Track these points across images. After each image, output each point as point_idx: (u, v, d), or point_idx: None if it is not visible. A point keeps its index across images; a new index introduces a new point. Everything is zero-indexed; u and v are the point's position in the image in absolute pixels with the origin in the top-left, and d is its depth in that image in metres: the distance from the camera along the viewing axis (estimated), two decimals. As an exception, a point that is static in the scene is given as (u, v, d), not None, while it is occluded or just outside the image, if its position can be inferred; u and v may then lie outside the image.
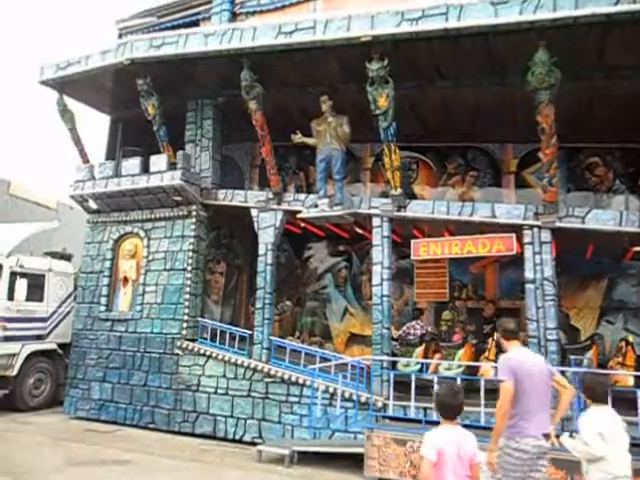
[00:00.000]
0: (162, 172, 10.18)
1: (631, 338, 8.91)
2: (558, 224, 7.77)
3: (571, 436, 4.04)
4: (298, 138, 9.39)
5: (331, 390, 8.38)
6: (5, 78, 40.98)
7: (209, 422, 9.30)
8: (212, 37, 8.95)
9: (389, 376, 8.09)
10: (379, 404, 8.01)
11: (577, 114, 8.54)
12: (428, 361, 8.77)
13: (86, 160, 11.47)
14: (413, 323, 10.19)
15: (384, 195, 9.66)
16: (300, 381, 8.70)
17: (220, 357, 9.45)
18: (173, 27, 11.70)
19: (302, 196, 9.93)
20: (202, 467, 7.63)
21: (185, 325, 9.87)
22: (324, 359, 8.98)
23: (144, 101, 10.03)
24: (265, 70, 8.84)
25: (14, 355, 10.79)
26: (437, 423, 3.64)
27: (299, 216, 9.60)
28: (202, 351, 9.62)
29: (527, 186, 10.15)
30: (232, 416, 9.14)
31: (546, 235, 7.82)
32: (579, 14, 6.62)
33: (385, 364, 8.41)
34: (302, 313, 12.28)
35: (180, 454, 8.23)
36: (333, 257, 12.46)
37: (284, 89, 9.65)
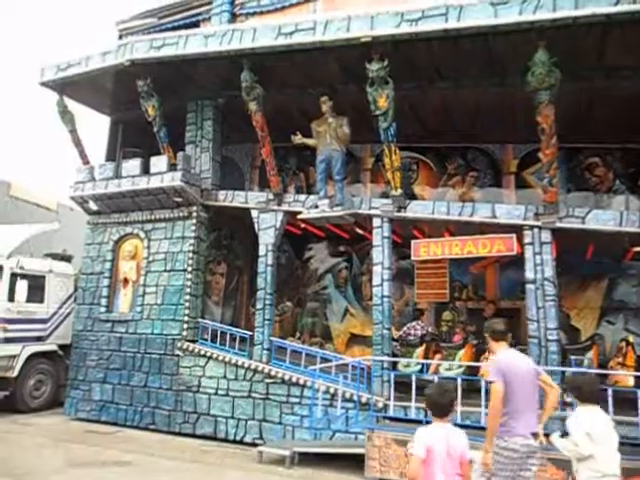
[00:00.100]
0: (162, 173, 10.19)
1: (631, 338, 8.91)
2: (558, 224, 7.77)
3: (562, 436, 4.08)
4: (298, 139, 9.39)
5: (332, 391, 8.37)
6: (5, 79, 41.03)
7: (210, 423, 9.30)
8: (212, 38, 8.96)
9: (390, 377, 8.09)
10: (380, 405, 8.01)
11: (577, 114, 8.54)
12: (429, 362, 8.77)
13: (86, 161, 11.48)
14: (413, 324, 10.18)
15: (384, 196, 9.66)
16: (301, 382, 8.70)
17: (221, 358, 9.45)
18: (173, 28, 11.72)
19: (302, 197, 9.93)
20: (203, 468, 7.63)
21: (185, 326, 9.87)
22: (325, 360, 8.97)
23: (144, 102, 10.03)
24: (265, 71, 8.84)
25: (15, 356, 10.80)
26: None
27: (299, 217, 9.60)
28: (202, 352, 9.62)
29: (527, 186, 10.14)
30: (233, 417, 9.14)
31: (546, 235, 7.81)
32: (579, 14, 6.62)
33: (386, 365, 8.40)
34: (303, 314, 12.27)
35: (181, 455, 8.23)
36: (333, 258, 12.46)
37: (284, 90, 9.66)
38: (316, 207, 9.33)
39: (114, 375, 10.33)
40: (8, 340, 10.66)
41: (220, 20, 11.65)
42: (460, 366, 8.67)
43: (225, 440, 9.07)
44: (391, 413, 7.80)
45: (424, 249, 8.79)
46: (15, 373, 10.77)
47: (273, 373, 8.97)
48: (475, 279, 11.00)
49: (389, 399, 7.91)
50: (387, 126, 8.09)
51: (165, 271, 10.29)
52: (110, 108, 11.98)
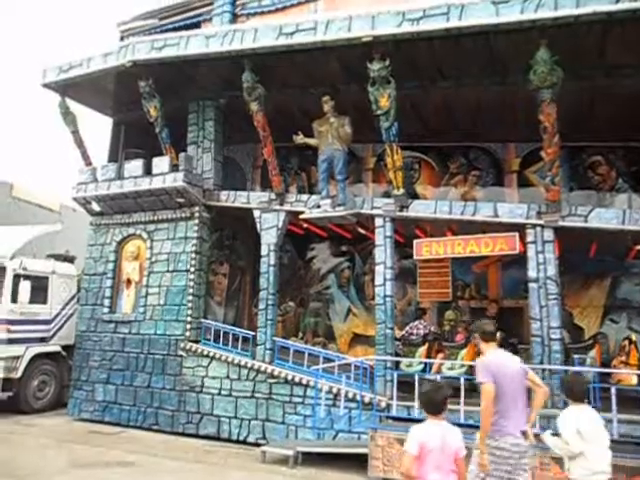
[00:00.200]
0: (164, 174, 10.20)
1: (634, 337, 8.89)
2: (561, 223, 7.75)
3: (554, 434, 4.15)
4: (300, 139, 9.40)
5: (335, 390, 8.37)
6: (7, 80, 41.11)
7: (213, 423, 9.31)
8: (213, 39, 8.97)
9: (392, 376, 8.09)
10: (383, 404, 8.00)
11: (579, 113, 8.53)
12: (431, 361, 8.77)
13: (89, 162, 11.50)
14: (416, 323, 10.18)
15: (386, 195, 9.66)
16: (304, 382, 8.70)
17: (223, 358, 9.46)
18: (174, 29, 11.74)
19: (304, 197, 9.93)
20: (206, 468, 7.64)
21: (188, 326, 9.88)
22: (327, 359, 8.98)
23: (146, 103, 10.05)
24: (266, 71, 8.85)
25: (18, 357, 10.82)
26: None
27: (301, 217, 9.60)
28: (205, 352, 9.63)
29: (529, 185, 10.14)
30: (236, 417, 9.15)
31: (549, 234, 7.80)
32: (580, 12, 6.61)
33: (388, 364, 8.40)
34: (305, 314, 12.29)
35: (184, 455, 8.24)
36: (336, 257, 12.46)
37: (285, 90, 9.66)
38: (318, 207, 9.33)
39: (117, 376, 10.34)
40: (11, 341, 10.69)
41: (221, 20, 11.66)
42: (462, 365, 8.66)
43: (228, 440, 9.08)
44: (394, 413, 7.80)
45: (426, 248, 8.79)
46: (19, 374, 10.79)
47: (276, 373, 8.97)
48: (478, 278, 10.99)
49: (392, 399, 7.91)
50: (389, 125, 8.09)
51: (168, 272, 10.31)
52: (112, 109, 12.00)
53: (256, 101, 8.96)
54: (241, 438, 9.02)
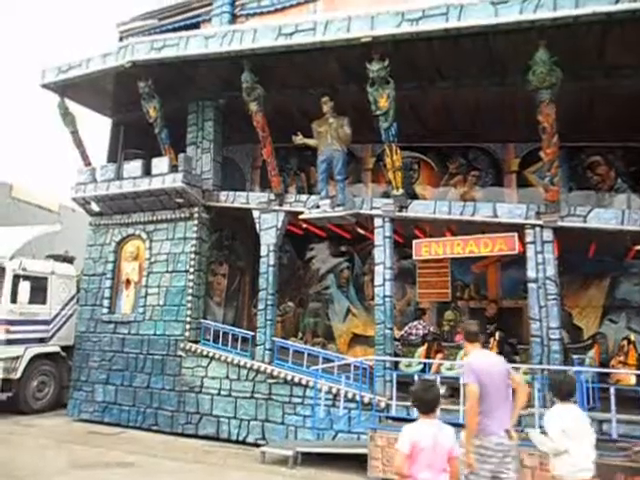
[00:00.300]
0: (164, 174, 10.20)
1: (633, 337, 8.89)
2: (560, 223, 7.76)
3: (543, 432, 4.23)
4: (299, 139, 9.40)
5: (334, 391, 8.38)
6: (7, 81, 41.10)
7: (212, 424, 9.31)
8: (213, 39, 8.97)
9: (392, 376, 8.09)
10: (382, 404, 8.01)
11: (578, 113, 8.53)
12: (430, 361, 8.76)
13: (88, 163, 11.50)
14: (415, 323, 10.17)
15: (385, 195, 9.66)
16: (303, 382, 8.70)
17: (223, 358, 9.46)
18: (174, 29, 11.74)
19: (304, 197, 9.94)
20: (205, 469, 7.65)
21: (188, 327, 9.89)
22: (327, 360, 8.98)
23: (145, 104, 10.05)
24: (266, 72, 8.85)
25: (17, 358, 10.82)
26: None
27: (301, 217, 9.60)
28: (205, 353, 9.63)
29: (529, 185, 10.14)
30: (235, 417, 9.15)
31: (548, 234, 7.81)
32: (579, 13, 6.62)
33: (388, 364, 8.41)
34: (304, 314, 12.29)
35: (183, 456, 8.24)
36: (335, 258, 12.46)
37: (285, 90, 9.67)
38: (317, 207, 9.34)
39: (117, 376, 10.34)
40: (11, 342, 10.69)
41: (220, 21, 11.67)
42: (462, 366, 8.64)
43: (228, 440, 9.08)
44: (393, 413, 7.80)
45: (426, 249, 8.80)
46: (18, 375, 10.79)
47: (275, 373, 8.97)
48: (477, 278, 10.99)
49: (391, 399, 7.91)
50: (388, 126, 8.09)
51: (167, 272, 10.31)
52: (111, 110, 12.00)
53: (255, 101, 8.96)
54: (240, 438, 9.02)
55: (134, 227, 10.90)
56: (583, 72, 7.82)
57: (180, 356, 9.83)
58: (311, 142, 9.41)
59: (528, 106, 7.40)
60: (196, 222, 10.29)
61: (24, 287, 10.79)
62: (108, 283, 10.89)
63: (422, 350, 9.32)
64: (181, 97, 10.64)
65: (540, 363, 7.41)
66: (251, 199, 10.29)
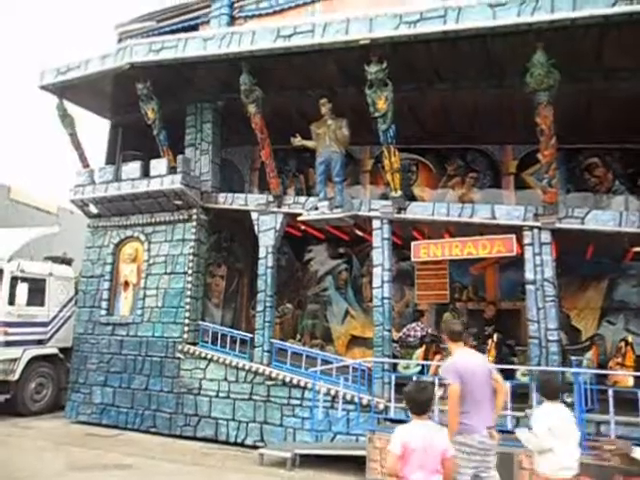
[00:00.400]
0: (162, 176, 10.20)
1: (630, 338, 8.91)
2: (558, 225, 7.77)
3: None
4: (298, 141, 9.40)
5: (333, 393, 8.37)
6: (5, 82, 41.08)
7: (211, 426, 9.30)
8: (211, 41, 8.99)
9: (390, 378, 8.09)
10: (381, 406, 8.01)
11: (576, 115, 8.55)
12: (428, 363, 8.77)
13: (86, 165, 11.49)
14: (413, 325, 10.19)
15: (384, 197, 9.67)
16: (301, 384, 8.70)
17: (221, 360, 9.45)
18: (172, 31, 11.72)
19: (302, 199, 9.94)
20: (204, 471, 7.64)
21: (186, 329, 9.88)
22: (325, 362, 8.97)
23: (144, 105, 10.05)
24: (264, 73, 8.86)
25: (15, 360, 10.80)
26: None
27: (299, 219, 9.61)
28: (203, 354, 9.63)
29: (527, 187, 10.16)
30: (234, 419, 9.14)
31: (546, 236, 7.82)
32: (577, 16, 6.64)
33: (386, 366, 8.40)
34: (303, 316, 12.29)
35: (182, 458, 8.23)
36: (333, 259, 12.46)
37: (283, 92, 9.67)
38: (316, 209, 9.34)
39: (115, 378, 10.33)
40: (9, 344, 10.68)
41: (219, 23, 11.67)
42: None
43: (226, 443, 9.07)
44: (392, 415, 7.79)
45: (424, 250, 8.80)
46: (16, 376, 10.77)
47: (274, 375, 8.97)
48: (475, 280, 11.00)
49: (390, 401, 7.90)
50: (386, 128, 8.10)
51: (165, 274, 10.30)
52: (110, 111, 12.01)
53: (254, 103, 8.97)
54: (239, 440, 9.01)
55: (132, 229, 10.90)
56: (581, 74, 7.84)
57: (178, 358, 9.82)
58: (309, 144, 9.41)
59: (526, 108, 7.42)
60: (194, 224, 10.29)
61: (22, 289, 10.78)
62: (106, 285, 10.88)
63: (420, 352, 9.33)
64: (179, 99, 10.65)
65: (538, 365, 7.41)
66: (249, 201, 10.29)
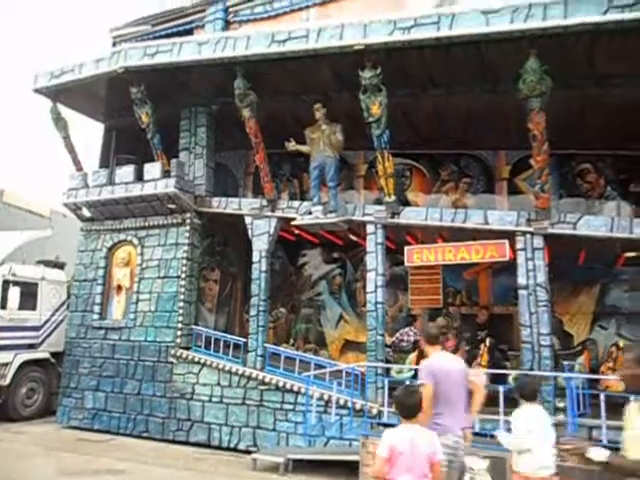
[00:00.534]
0: (156, 180, 10.19)
1: (622, 343, 8.96)
2: (550, 230, 7.81)
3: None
4: (292, 146, 9.43)
5: (326, 397, 8.37)
6: (-2, 86, 40.91)
7: (203, 430, 9.26)
8: (206, 45, 9.00)
9: (383, 383, 8.09)
10: (374, 411, 8.00)
11: (569, 122, 8.61)
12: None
13: (80, 168, 11.45)
14: (406, 330, 10.21)
15: (378, 202, 9.69)
16: (295, 388, 8.69)
17: (214, 365, 9.43)
18: (167, 35, 11.75)
19: (296, 203, 9.95)
20: (196, 476, 7.61)
21: (179, 333, 9.85)
22: (319, 366, 8.97)
23: (138, 109, 10.04)
24: (258, 78, 8.88)
25: (6, 364, 10.72)
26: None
27: (293, 223, 9.61)
28: (196, 359, 9.59)
29: (519, 192, 10.21)
30: (227, 424, 9.11)
31: (538, 241, 7.86)
32: (568, 23, 6.70)
33: (379, 371, 8.41)
34: (297, 320, 12.28)
35: (174, 463, 8.19)
36: (327, 264, 12.46)
37: (278, 97, 9.69)
38: (310, 213, 9.35)
39: (107, 383, 10.27)
40: (0, 348, 10.59)
41: (214, 27, 11.70)
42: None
43: (219, 447, 9.03)
44: (385, 419, 7.78)
45: (417, 255, 8.82)
46: (7, 381, 10.69)
47: (267, 380, 8.95)
48: (468, 285, 11.03)
49: (383, 405, 7.91)
50: (380, 133, 8.13)
51: (159, 278, 10.27)
52: (104, 115, 11.98)
53: (248, 108, 8.99)
54: (232, 445, 8.98)
55: (126, 233, 10.86)
56: (573, 81, 7.91)
57: (171, 362, 9.78)
58: (304, 149, 9.44)
59: (519, 114, 7.47)
60: (188, 228, 10.27)
61: (14, 293, 10.72)
62: (99, 289, 10.83)
63: (413, 356, 9.35)
64: (174, 103, 10.64)
65: (531, 369, 7.44)
66: (243, 205, 10.29)
